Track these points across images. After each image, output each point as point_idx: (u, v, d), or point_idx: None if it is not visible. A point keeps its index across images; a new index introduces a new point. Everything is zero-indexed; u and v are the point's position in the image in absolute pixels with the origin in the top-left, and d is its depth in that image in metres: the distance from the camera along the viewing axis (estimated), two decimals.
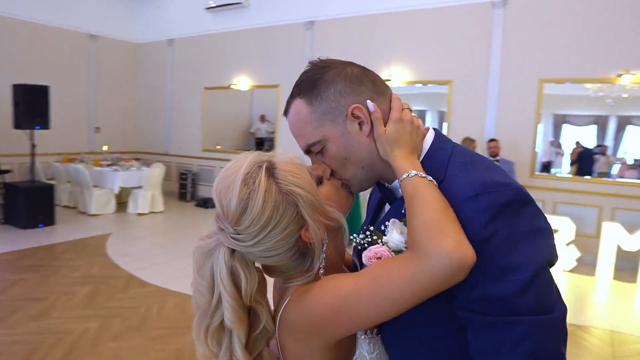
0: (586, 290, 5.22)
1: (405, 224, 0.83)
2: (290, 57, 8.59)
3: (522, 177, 6.30)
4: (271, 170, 0.83)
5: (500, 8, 6.56)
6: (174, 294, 4.56)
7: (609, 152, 7.26)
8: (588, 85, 6.36)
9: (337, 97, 0.90)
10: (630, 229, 5.47)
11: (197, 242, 0.88)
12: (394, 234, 0.84)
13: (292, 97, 0.94)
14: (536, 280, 0.73)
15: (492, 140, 6.21)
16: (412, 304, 0.74)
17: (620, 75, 5.85)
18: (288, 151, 0.89)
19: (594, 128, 7.28)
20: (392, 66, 7.50)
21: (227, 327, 0.83)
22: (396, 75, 7.45)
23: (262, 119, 10.62)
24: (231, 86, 9.46)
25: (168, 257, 5.83)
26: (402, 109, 0.93)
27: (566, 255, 5.69)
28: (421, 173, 0.83)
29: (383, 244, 0.85)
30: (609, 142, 7.42)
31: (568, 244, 5.71)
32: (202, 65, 9.96)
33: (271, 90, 9.08)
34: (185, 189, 10.01)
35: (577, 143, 7.14)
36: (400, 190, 0.87)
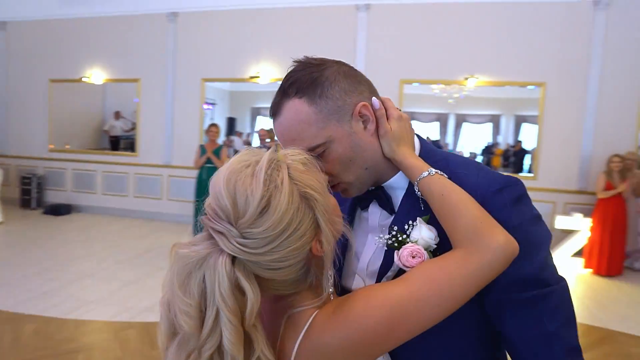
0: None
1: (427, 221, 0.87)
2: (152, 49, 8.07)
3: None
4: (290, 170, 0.74)
5: (364, 11, 6.92)
6: (31, 319, 3.98)
7: (450, 147, 8.16)
8: (433, 86, 7.04)
9: (342, 95, 0.87)
10: None
11: (177, 251, 0.71)
12: (424, 230, 0.85)
13: (286, 97, 0.86)
14: (550, 255, 0.87)
15: None
16: (469, 297, 0.77)
17: (466, 79, 6.57)
18: (300, 150, 0.79)
19: (436, 125, 8.10)
20: (261, 63, 7.46)
21: (227, 352, 0.68)
22: (265, 73, 7.43)
23: (117, 115, 9.77)
24: (83, 79, 8.55)
25: (17, 276, 5.07)
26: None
27: None
28: (440, 171, 0.86)
29: (413, 242, 0.85)
30: (449, 138, 8.36)
31: None
32: (47, 55, 8.83)
33: (128, 85, 8.42)
34: (29, 194, 8.80)
35: (427, 138, 7.80)
36: (397, 186, 0.92)
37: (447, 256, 0.79)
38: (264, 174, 0.70)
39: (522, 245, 0.79)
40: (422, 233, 0.85)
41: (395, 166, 0.92)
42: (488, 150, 8.54)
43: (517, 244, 0.78)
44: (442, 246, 0.85)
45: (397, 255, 0.85)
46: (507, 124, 8.43)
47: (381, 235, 0.91)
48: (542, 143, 6.65)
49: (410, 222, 0.88)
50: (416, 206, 0.90)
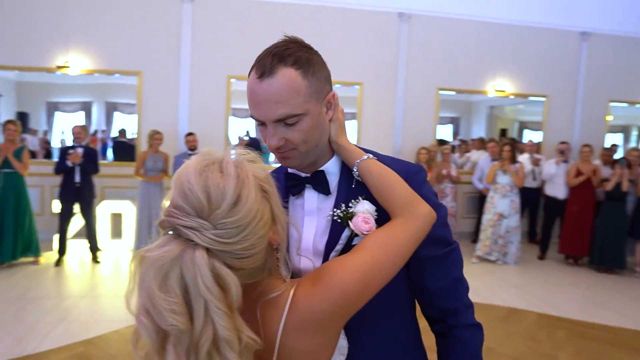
0: None
1: (365, 199, 1.05)
2: None
3: None
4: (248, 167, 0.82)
5: (188, 3, 6.63)
6: None
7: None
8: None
9: (323, 80, 1.01)
10: None
11: (146, 255, 0.71)
12: (367, 204, 1.04)
13: (282, 63, 0.95)
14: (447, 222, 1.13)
15: (189, 134, 6.25)
16: (410, 255, 0.96)
17: None
18: (247, 150, 0.86)
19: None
20: (70, 53, 6.63)
21: (224, 338, 0.70)
22: (74, 63, 6.61)
23: None
24: None
25: None
26: None
27: None
28: (371, 156, 1.06)
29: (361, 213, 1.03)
30: None
31: None
32: None
33: None
34: None
35: (247, 133, 7.89)
36: (331, 172, 1.10)
37: (390, 224, 0.97)
38: (233, 170, 0.77)
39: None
40: (365, 206, 1.03)
41: (330, 152, 1.10)
42: None
43: (435, 212, 1.01)
44: (380, 219, 1.03)
45: (352, 223, 1.02)
46: None
47: (335, 210, 1.06)
48: (361, 139, 7.20)
49: (353, 200, 1.05)
50: (349, 188, 1.08)
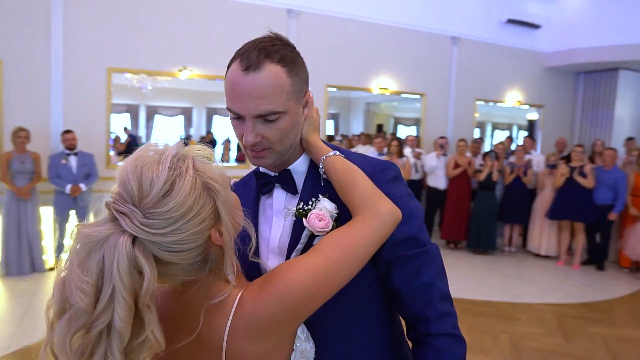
0: None
1: (327, 197, 1.02)
2: None
3: (99, 169, 6.00)
4: (195, 162, 0.80)
5: None
6: None
7: (144, 140, 7.94)
8: (128, 75, 6.55)
9: (304, 81, 1.01)
10: None
11: (80, 230, 0.73)
12: (326, 202, 1.01)
13: (269, 59, 0.93)
14: (424, 224, 1.07)
15: (67, 131, 5.56)
16: (370, 256, 0.93)
17: (180, 70, 6.43)
18: (204, 146, 0.85)
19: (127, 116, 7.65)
20: None
21: (116, 328, 0.70)
22: None
23: None
24: None
25: None
26: None
27: None
28: (338, 153, 1.05)
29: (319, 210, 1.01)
30: (141, 130, 8.06)
31: None
32: None
33: None
34: None
35: (126, 129, 7.41)
36: (299, 170, 1.09)
37: (348, 225, 0.94)
38: (169, 161, 0.76)
39: (403, 214, 0.99)
40: (324, 204, 1.01)
41: (300, 151, 1.09)
42: (184, 143, 8.42)
43: (400, 211, 0.97)
44: (341, 217, 1.01)
45: (306, 220, 0.99)
46: (199, 116, 8.55)
47: (290, 207, 1.05)
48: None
49: (313, 198, 1.03)
50: (316, 186, 1.06)
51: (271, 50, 0.94)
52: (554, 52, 9.11)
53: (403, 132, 9.13)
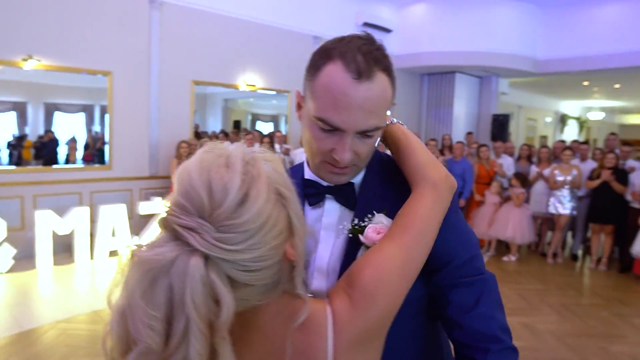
0: (34, 284, 4.97)
1: (383, 214, 0.93)
2: None
3: None
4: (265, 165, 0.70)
5: None
6: None
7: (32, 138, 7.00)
8: None
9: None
10: (60, 213, 5.58)
11: (138, 254, 0.61)
12: (383, 218, 0.92)
13: (379, 67, 0.82)
14: (480, 253, 0.98)
15: None
16: (438, 229, 0.87)
17: (25, 60, 5.68)
18: (267, 149, 0.74)
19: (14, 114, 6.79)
20: None
21: None
22: None
23: None
24: None
25: None
26: None
27: (1, 256, 5.15)
28: (395, 120, 0.99)
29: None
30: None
31: (1, 244, 5.18)
32: None
33: None
34: None
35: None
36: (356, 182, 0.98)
37: (410, 202, 0.88)
38: (240, 165, 0.66)
39: (463, 238, 0.96)
40: (381, 219, 0.92)
41: None
42: (17, 143, 7.38)
43: (453, 178, 0.93)
44: None
45: (363, 236, 0.90)
46: (35, 113, 7.54)
47: (345, 224, 0.94)
48: (113, 133, 6.59)
49: (370, 215, 0.93)
50: (371, 202, 0.95)
51: (378, 57, 0.83)
52: (403, 54, 10.02)
53: (261, 128, 9.21)
